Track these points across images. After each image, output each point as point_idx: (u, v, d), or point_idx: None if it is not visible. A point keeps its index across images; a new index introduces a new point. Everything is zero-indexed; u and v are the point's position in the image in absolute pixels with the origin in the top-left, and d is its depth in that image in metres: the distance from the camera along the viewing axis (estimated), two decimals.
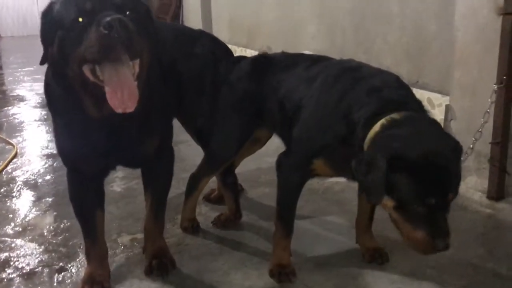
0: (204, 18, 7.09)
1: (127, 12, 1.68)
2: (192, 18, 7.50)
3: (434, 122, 1.74)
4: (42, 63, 1.82)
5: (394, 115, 1.69)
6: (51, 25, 1.71)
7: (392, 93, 1.80)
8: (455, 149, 1.64)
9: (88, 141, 1.89)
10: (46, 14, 1.75)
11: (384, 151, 1.57)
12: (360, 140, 1.75)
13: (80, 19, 1.63)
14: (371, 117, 1.73)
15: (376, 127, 1.70)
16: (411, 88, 1.93)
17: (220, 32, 6.75)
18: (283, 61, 2.22)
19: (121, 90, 1.66)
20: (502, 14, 2.52)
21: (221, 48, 2.55)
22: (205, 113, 2.37)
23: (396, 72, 1.97)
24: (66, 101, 1.84)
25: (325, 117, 1.89)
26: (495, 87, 2.57)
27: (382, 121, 1.69)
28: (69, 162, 2.04)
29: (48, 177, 3.36)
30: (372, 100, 1.78)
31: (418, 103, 1.85)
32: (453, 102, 2.93)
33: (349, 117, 1.80)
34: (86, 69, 1.67)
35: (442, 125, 3.01)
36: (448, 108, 2.96)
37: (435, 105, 3.19)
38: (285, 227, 2.10)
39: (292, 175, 2.05)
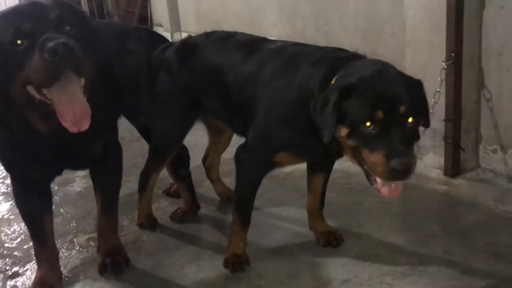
0: (171, 12, 7.02)
1: (67, 27, 1.63)
2: (160, 12, 7.43)
3: (390, 64, 1.74)
4: None
5: (347, 66, 1.71)
6: None
7: (337, 55, 1.83)
8: (412, 81, 1.68)
9: (33, 152, 1.86)
10: None
11: (336, 87, 1.63)
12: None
13: (19, 42, 1.57)
14: (324, 78, 1.73)
15: (333, 81, 1.70)
16: None
17: (188, 24, 6.70)
18: (209, 45, 2.17)
19: (73, 109, 1.63)
20: None
21: (159, 42, 2.47)
22: (145, 109, 2.35)
23: None
24: (8, 116, 1.79)
25: (281, 111, 1.88)
26: (444, 64, 2.58)
27: (337, 75, 1.70)
28: (12, 170, 2.00)
29: (6, 181, 3.30)
30: (319, 68, 1.79)
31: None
32: None
33: (303, 97, 1.78)
34: (30, 88, 1.62)
35: None
36: None
37: None
38: (242, 219, 2.10)
39: (251, 170, 2.04)
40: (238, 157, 2.06)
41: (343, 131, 1.63)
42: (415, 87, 1.67)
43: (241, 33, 2.27)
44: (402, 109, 1.56)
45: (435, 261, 2.04)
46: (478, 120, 2.71)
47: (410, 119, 1.58)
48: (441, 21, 2.62)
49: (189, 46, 2.23)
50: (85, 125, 1.65)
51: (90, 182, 3.08)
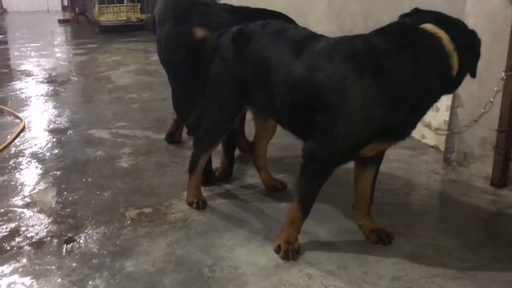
0: None
1: None
2: None
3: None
4: None
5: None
6: None
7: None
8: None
9: None
10: None
11: None
12: None
13: None
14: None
15: None
16: None
17: None
18: (264, 37, 2.20)
19: None
20: None
21: None
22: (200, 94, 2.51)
23: None
24: None
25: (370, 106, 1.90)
26: (503, 74, 2.58)
27: None
28: None
29: (56, 151, 3.39)
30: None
31: None
32: (460, 89, 2.93)
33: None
34: None
35: (449, 111, 3.03)
36: (455, 95, 2.97)
37: None
38: (304, 210, 2.14)
39: (328, 167, 2.07)
40: (309, 154, 2.06)
41: None
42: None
43: (295, 28, 2.28)
44: None
45: (485, 267, 2.06)
46: None
47: None
48: (503, 31, 2.62)
49: (244, 35, 2.28)
50: None
51: (136, 160, 3.20)
